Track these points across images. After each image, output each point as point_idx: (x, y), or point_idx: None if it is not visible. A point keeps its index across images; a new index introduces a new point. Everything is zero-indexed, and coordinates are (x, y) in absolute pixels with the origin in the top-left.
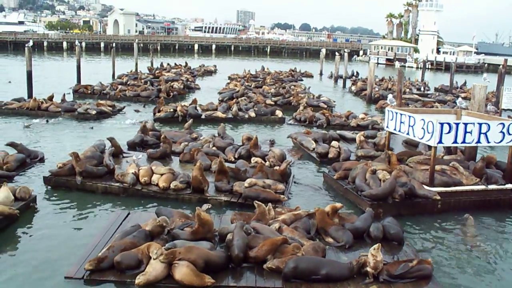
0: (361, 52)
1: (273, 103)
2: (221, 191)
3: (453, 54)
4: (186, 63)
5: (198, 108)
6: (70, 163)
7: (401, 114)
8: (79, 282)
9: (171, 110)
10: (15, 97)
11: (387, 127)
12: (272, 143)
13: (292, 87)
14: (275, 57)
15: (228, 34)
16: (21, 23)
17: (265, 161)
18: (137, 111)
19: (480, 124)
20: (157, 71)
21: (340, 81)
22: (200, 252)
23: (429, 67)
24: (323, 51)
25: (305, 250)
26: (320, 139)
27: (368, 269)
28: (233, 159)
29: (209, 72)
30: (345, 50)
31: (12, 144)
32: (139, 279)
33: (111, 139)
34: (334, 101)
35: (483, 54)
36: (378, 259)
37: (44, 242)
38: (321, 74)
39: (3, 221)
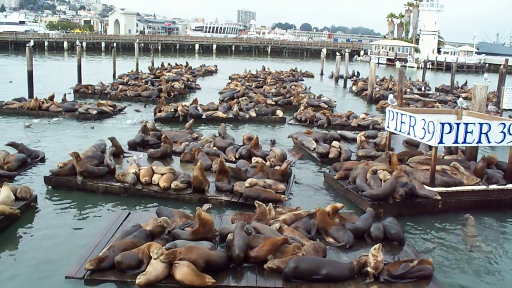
0: (362, 52)
1: (273, 103)
2: (222, 191)
3: (454, 54)
4: (187, 63)
5: (199, 108)
6: (70, 163)
7: (401, 114)
8: (79, 281)
9: (172, 110)
10: (16, 97)
11: (387, 127)
12: (273, 143)
13: (293, 87)
14: (276, 57)
15: (229, 34)
16: (22, 23)
17: (266, 161)
18: (137, 111)
19: (481, 124)
20: (158, 71)
21: (341, 81)
22: (200, 252)
23: (430, 67)
24: (324, 51)
25: (306, 250)
26: (320, 139)
27: (369, 269)
28: (233, 159)
29: (210, 72)
30: (346, 50)
31: (12, 144)
32: (140, 279)
33: (112, 139)
34: (335, 101)
35: (484, 54)
36: (378, 259)
37: (45, 242)
38: (321, 74)
39: (4, 221)
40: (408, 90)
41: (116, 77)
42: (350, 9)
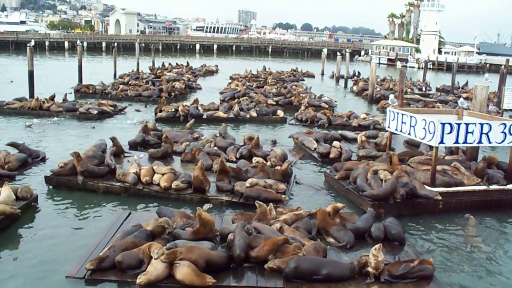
0: (362, 52)
1: (274, 103)
2: (223, 191)
3: (455, 54)
4: (187, 63)
5: (199, 108)
6: (71, 163)
7: (402, 114)
8: (80, 281)
9: (173, 110)
10: (17, 97)
11: (388, 127)
12: (274, 143)
13: (294, 87)
14: (277, 57)
15: (229, 34)
16: (23, 22)
17: (267, 161)
18: (138, 110)
19: (482, 125)
20: (159, 71)
21: (342, 81)
22: (201, 252)
23: (431, 67)
24: (325, 51)
25: (306, 250)
26: (321, 139)
27: (369, 269)
28: (234, 159)
29: (211, 72)
30: (347, 50)
31: (13, 144)
32: (140, 279)
33: (113, 139)
34: (335, 101)
35: (485, 54)
36: (379, 259)
37: (45, 242)
38: (322, 74)
39: (4, 221)
40: (409, 90)
41: (117, 77)
42: (351, 9)
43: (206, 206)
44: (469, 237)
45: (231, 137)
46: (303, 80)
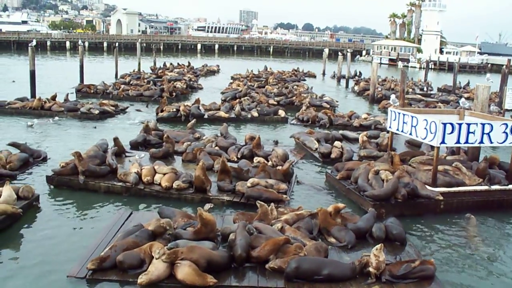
0: (364, 52)
1: (276, 103)
2: (224, 190)
3: (456, 54)
4: (189, 62)
5: (201, 107)
6: (72, 163)
7: (403, 114)
8: (81, 281)
9: (174, 109)
10: (19, 97)
11: (389, 127)
12: (276, 143)
13: (295, 87)
14: (278, 57)
15: (231, 34)
16: (24, 22)
17: (268, 161)
18: (138, 110)
19: (483, 125)
20: (160, 71)
21: (343, 81)
22: (202, 251)
23: (432, 67)
24: (326, 51)
25: (308, 250)
26: (322, 139)
27: (371, 269)
28: (235, 159)
29: (212, 72)
30: (348, 50)
31: (14, 144)
32: (141, 279)
33: (115, 139)
34: (337, 101)
35: (486, 54)
36: (380, 260)
37: (47, 241)
38: (323, 74)
39: (6, 220)
40: (410, 90)
41: (118, 76)
42: (352, 9)
43: (207, 206)
44: (471, 237)
45: (232, 137)
46: (305, 80)
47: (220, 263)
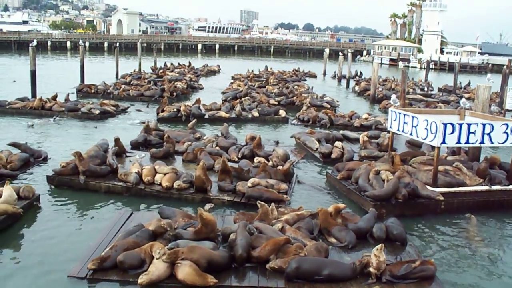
0: (364, 52)
1: (276, 103)
2: (224, 190)
3: (457, 54)
4: (189, 62)
5: (201, 107)
6: (73, 163)
7: (404, 115)
8: (82, 281)
9: (175, 109)
10: (19, 97)
11: (390, 127)
12: (277, 143)
13: (296, 87)
14: (279, 57)
15: (231, 34)
16: (25, 22)
17: (268, 161)
18: (138, 110)
19: (484, 125)
20: (161, 71)
21: (344, 81)
22: (202, 251)
23: (433, 67)
24: (327, 51)
25: (308, 250)
26: (323, 139)
27: (371, 269)
28: (236, 159)
29: (213, 72)
30: (349, 50)
31: (14, 144)
32: (142, 279)
33: (116, 139)
34: (337, 101)
35: (487, 55)
36: (381, 260)
37: (47, 241)
38: (324, 74)
39: (6, 220)
40: (411, 90)
41: (119, 76)
42: (353, 9)
43: (208, 206)
44: (471, 238)
45: (233, 137)
46: (305, 80)
47: (221, 263)
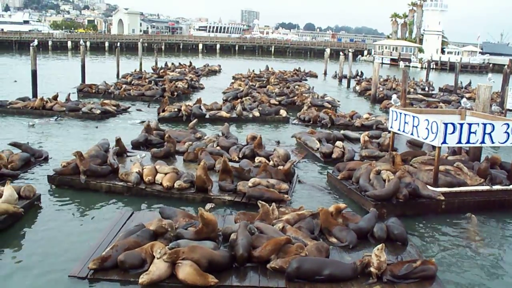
0: (365, 52)
1: (277, 102)
2: (225, 190)
3: (458, 54)
4: (190, 62)
5: (202, 107)
6: (74, 162)
7: (405, 115)
8: (82, 281)
9: (176, 109)
10: (20, 97)
11: (391, 127)
12: (278, 143)
13: (297, 86)
14: (280, 57)
15: (232, 33)
16: (26, 22)
17: (269, 161)
18: (139, 110)
19: (485, 125)
20: (162, 71)
21: (345, 81)
22: (203, 251)
23: (434, 67)
24: (328, 51)
25: (309, 250)
26: (324, 139)
27: (372, 269)
28: (237, 159)
29: (214, 72)
30: (350, 50)
31: (15, 144)
32: (143, 278)
33: (118, 140)
34: (338, 101)
35: (488, 54)
36: (381, 260)
37: (48, 241)
38: (325, 74)
39: (7, 220)
40: (412, 90)
41: (120, 76)
42: (354, 9)
43: (208, 205)
44: (472, 238)
45: (233, 136)
46: (306, 80)
47: (221, 263)
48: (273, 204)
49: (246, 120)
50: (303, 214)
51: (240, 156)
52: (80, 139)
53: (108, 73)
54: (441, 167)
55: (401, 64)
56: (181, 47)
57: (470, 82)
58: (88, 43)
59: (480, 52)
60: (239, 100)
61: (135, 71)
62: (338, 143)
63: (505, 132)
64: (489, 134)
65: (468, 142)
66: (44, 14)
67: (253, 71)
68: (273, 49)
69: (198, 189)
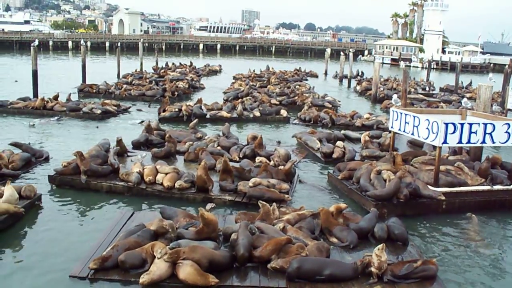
0: (366, 52)
1: (278, 102)
2: (226, 190)
3: (459, 54)
4: (191, 62)
5: (203, 107)
6: (74, 162)
7: (406, 114)
8: (83, 281)
9: (176, 109)
10: (21, 96)
11: (391, 127)
12: (279, 143)
13: (297, 86)
14: (280, 57)
15: (233, 33)
16: (26, 22)
17: (270, 161)
18: (139, 110)
19: (485, 124)
20: (162, 71)
21: (345, 81)
22: (204, 251)
23: (434, 67)
24: (328, 50)
25: (309, 250)
26: (324, 138)
27: (373, 269)
28: (237, 159)
29: (214, 72)
30: (350, 50)
31: (15, 144)
32: (143, 278)
33: (119, 140)
34: (339, 101)
35: (489, 54)
36: (382, 259)
37: (49, 241)
38: (326, 74)
39: (8, 219)
40: (413, 90)
41: (121, 76)
42: (354, 9)
43: (209, 205)
44: (473, 238)
45: (234, 136)
46: (307, 79)
47: (222, 263)
48: (274, 204)
49: (246, 120)
50: (304, 214)
51: (241, 156)
52: (81, 139)
53: (109, 73)
54: (442, 167)
55: (402, 64)
56: (181, 47)
57: (470, 82)
58: (88, 43)
59: (481, 52)
60: (239, 100)
61: (135, 71)
62: (339, 143)
63: (506, 132)
64: (490, 134)
65: (468, 142)
66: (45, 14)
67: (254, 71)
68: (273, 49)
69: (199, 189)
